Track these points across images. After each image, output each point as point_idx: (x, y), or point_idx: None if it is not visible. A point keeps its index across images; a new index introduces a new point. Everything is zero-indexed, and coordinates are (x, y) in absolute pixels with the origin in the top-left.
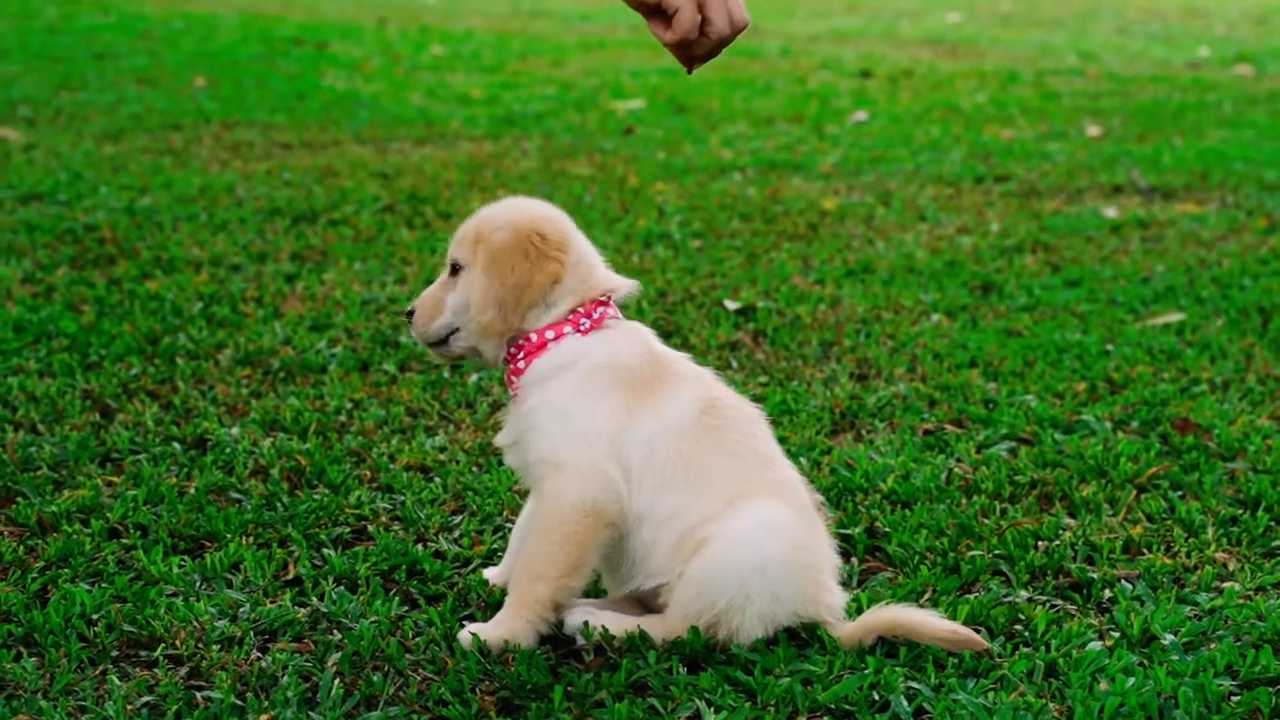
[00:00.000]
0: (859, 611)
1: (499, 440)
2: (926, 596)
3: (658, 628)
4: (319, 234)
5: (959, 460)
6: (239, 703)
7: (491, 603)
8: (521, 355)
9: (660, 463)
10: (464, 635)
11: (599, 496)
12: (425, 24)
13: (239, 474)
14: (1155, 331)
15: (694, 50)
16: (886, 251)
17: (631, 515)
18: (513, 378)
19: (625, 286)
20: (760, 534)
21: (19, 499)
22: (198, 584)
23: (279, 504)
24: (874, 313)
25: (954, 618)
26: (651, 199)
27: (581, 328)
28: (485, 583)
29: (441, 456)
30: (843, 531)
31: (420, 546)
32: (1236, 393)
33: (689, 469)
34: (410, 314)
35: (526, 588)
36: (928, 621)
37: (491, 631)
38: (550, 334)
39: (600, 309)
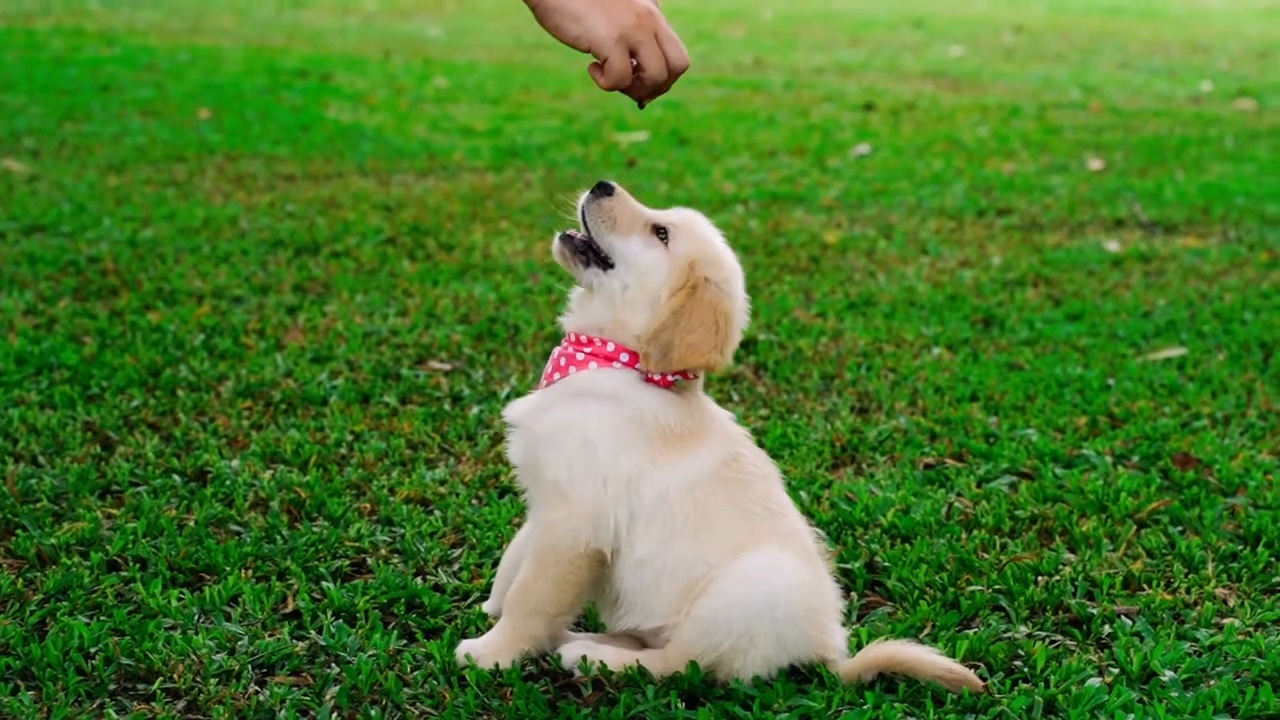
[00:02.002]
0: (858, 647)
1: (510, 413)
2: (926, 631)
3: (657, 663)
4: (321, 266)
5: (959, 494)
6: None
7: None
8: (588, 351)
9: (671, 513)
10: (461, 655)
11: (598, 537)
12: (429, 56)
13: (239, 506)
14: (1156, 366)
15: (633, 94)
16: (888, 285)
17: (634, 557)
18: (563, 360)
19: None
20: (767, 577)
21: (18, 531)
22: (196, 617)
23: (278, 536)
24: (875, 346)
25: (953, 653)
26: None
27: (652, 375)
28: (485, 616)
29: (442, 489)
30: (843, 566)
31: (420, 580)
32: (1237, 428)
33: (699, 522)
34: (608, 190)
35: (522, 621)
36: (925, 658)
37: (488, 660)
38: (625, 356)
39: (678, 375)
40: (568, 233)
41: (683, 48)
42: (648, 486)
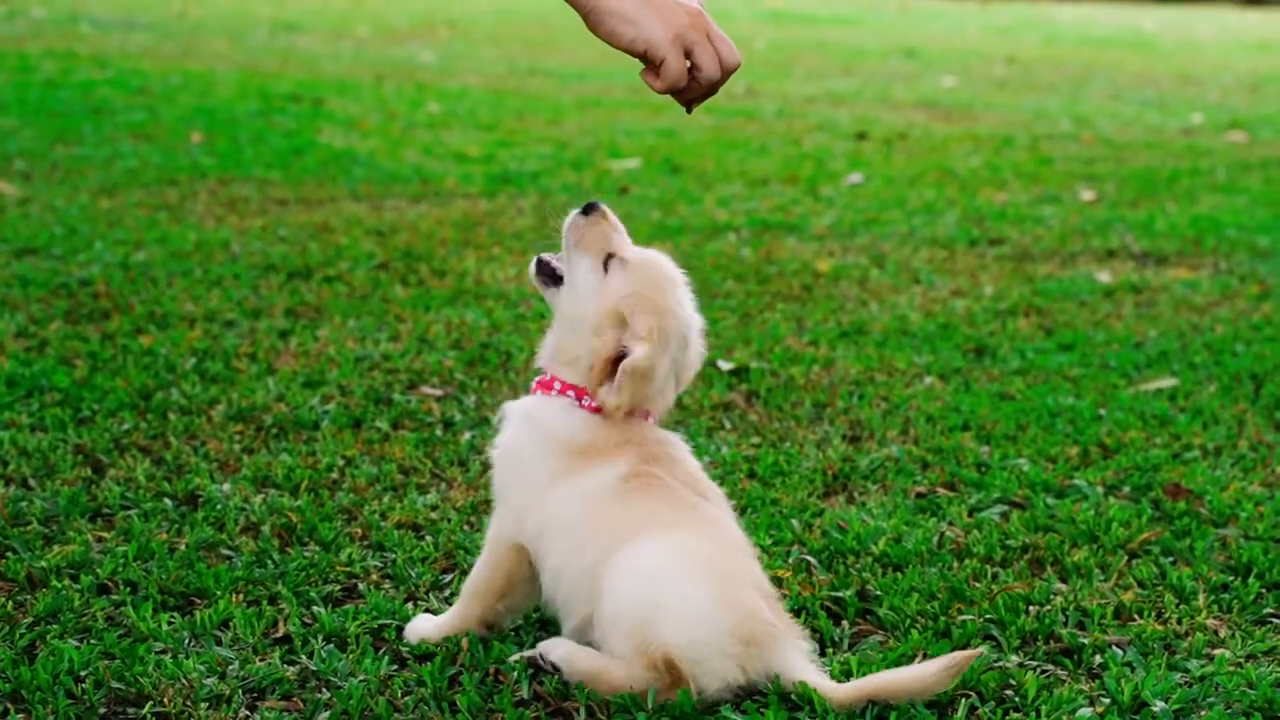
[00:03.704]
0: (847, 676)
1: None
2: (917, 660)
3: (619, 670)
4: (313, 290)
5: (951, 523)
6: None
7: (481, 665)
8: (538, 381)
9: (571, 522)
10: (410, 633)
11: (520, 534)
12: (422, 82)
13: (230, 531)
14: (1148, 396)
15: (686, 96)
16: (880, 313)
17: (549, 568)
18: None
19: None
20: (649, 552)
21: (8, 554)
22: (187, 641)
23: (269, 561)
24: (867, 375)
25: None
26: None
27: (585, 402)
28: (477, 641)
29: (433, 515)
30: (834, 594)
31: (411, 605)
32: (1228, 459)
33: (591, 528)
34: (590, 209)
35: (466, 603)
36: (918, 673)
37: (433, 633)
38: (557, 385)
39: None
40: (541, 255)
41: (733, 46)
42: (556, 497)
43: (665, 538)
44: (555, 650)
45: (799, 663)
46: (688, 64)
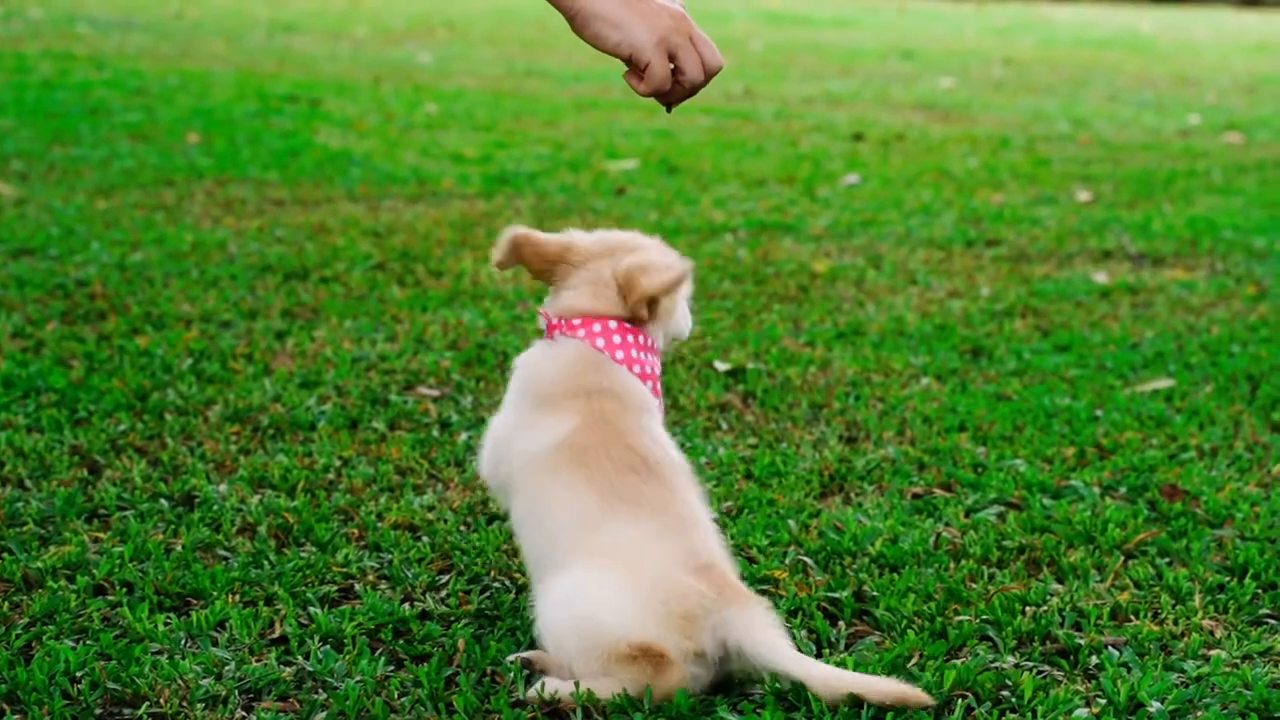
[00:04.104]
0: None
1: None
2: (914, 661)
3: (613, 685)
4: (310, 291)
5: (947, 524)
6: None
7: (478, 666)
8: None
9: (528, 477)
10: None
11: (490, 474)
12: (419, 83)
13: (226, 531)
14: (1144, 397)
15: (668, 98)
16: (877, 314)
17: (515, 516)
18: None
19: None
20: (565, 583)
21: (4, 555)
22: (183, 642)
23: (266, 562)
24: (864, 375)
25: (940, 683)
26: None
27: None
28: (473, 642)
29: (430, 515)
30: (831, 595)
31: (407, 606)
32: (1225, 459)
33: (528, 499)
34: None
35: None
36: (871, 686)
37: None
38: (545, 322)
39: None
40: None
41: (715, 48)
42: (517, 443)
43: (582, 560)
44: (558, 692)
45: (759, 630)
46: (671, 67)
